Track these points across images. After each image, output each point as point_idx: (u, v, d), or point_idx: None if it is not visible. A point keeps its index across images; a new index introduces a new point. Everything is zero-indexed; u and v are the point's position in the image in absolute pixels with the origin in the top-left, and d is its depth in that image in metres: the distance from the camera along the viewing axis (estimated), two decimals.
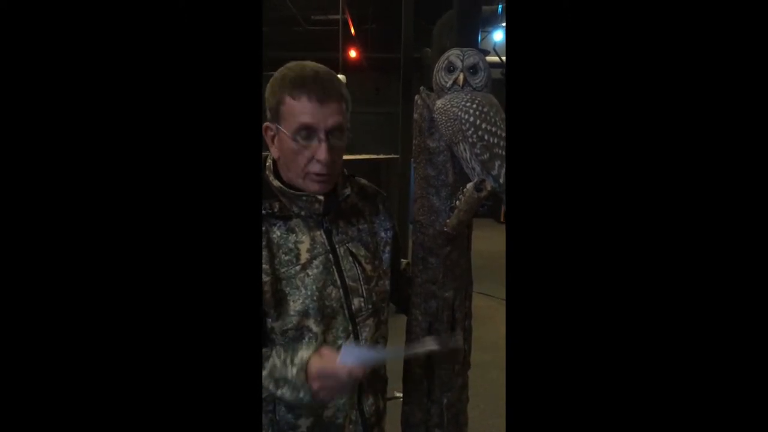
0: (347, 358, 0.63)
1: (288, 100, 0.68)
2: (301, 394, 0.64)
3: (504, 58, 4.38)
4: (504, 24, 4.79)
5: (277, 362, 0.66)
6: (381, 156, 4.00)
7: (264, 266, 0.69)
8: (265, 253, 0.69)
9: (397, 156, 3.75)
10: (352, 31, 5.53)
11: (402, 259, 0.91)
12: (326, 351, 0.66)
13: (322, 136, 0.68)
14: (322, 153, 0.69)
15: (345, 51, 5.63)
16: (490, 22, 4.61)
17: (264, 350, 0.68)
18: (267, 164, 0.75)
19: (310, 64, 0.71)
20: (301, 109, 0.67)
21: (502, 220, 6.91)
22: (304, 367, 0.64)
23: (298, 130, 0.68)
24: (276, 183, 0.72)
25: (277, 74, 0.70)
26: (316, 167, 0.70)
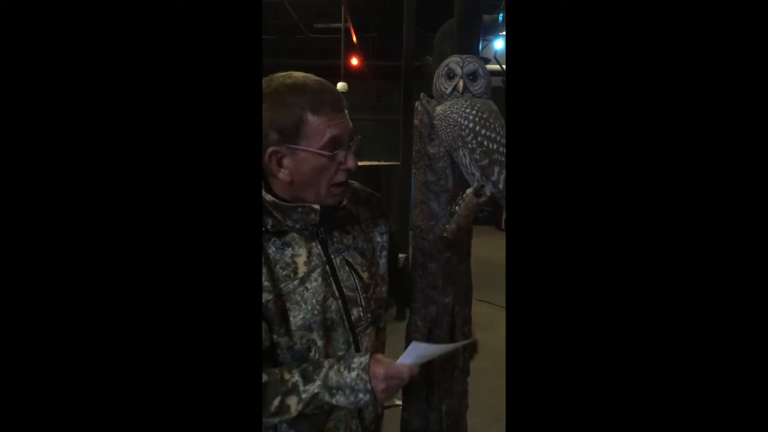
0: (409, 357, 0.68)
1: (310, 117, 0.66)
2: (360, 396, 0.67)
3: (505, 67, 4.40)
4: (505, 32, 4.82)
5: (331, 373, 0.68)
6: (382, 163, 4.01)
7: (265, 283, 0.68)
8: (264, 270, 0.68)
9: (398, 163, 3.76)
10: (354, 39, 5.57)
11: (399, 255, 0.90)
12: (379, 355, 0.71)
13: (350, 145, 0.70)
14: (351, 161, 0.70)
15: (347, 59, 5.66)
16: (491, 31, 4.64)
17: (276, 370, 0.68)
18: None
19: (305, 76, 0.69)
20: (328, 124, 0.67)
21: (502, 227, 6.91)
22: (366, 370, 0.67)
23: (328, 144, 0.67)
24: (268, 197, 0.70)
25: (276, 94, 0.66)
26: (341, 177, 0.70)
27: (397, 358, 0.70)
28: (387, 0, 4.80)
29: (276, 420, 0.67)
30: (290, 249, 0.71)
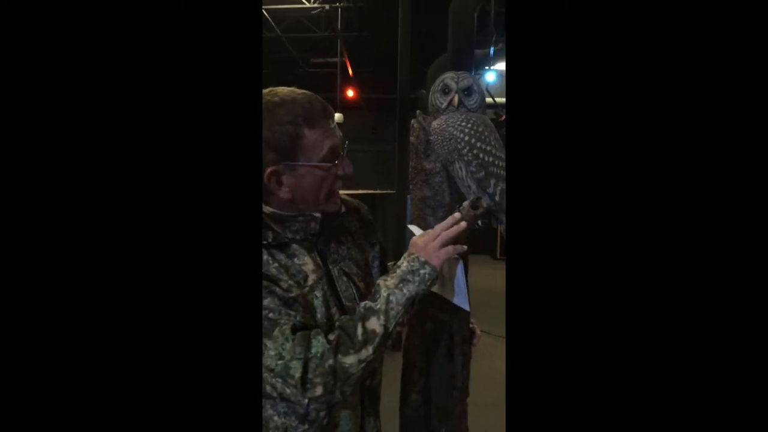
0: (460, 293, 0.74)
1: (307, 132, 0.66)
2: (422, 272, 0.67)
3: (496, 99, 4.51)
4: (495, 66, 4.98)
5: (388, 281, 0.68)
6: (378, 191, 4.05)
7: (289, 282, 0.67)
8: (283, 272, 0.68)
9: (394, 191, 3.78)
10: (350, 72, 5.73)
11: (388, 263, 0.90)
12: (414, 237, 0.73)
13: (342, 152, 0.70)
14: (349, 166, 0.71)
15: (343, 91, 5.80)
16: (483, 64, 4.80)
17: (339, 324, 0.67)
18: None
19: (291, 90, 0.69)
20: (324, 135, 0.67)
21: (498, 256, 6.90)
22: (410, 253, 0.69)
23: (327, 155, 0.68)
24: (268, 210, 0.70)
25: (267, 112, 0.66)
26: (338, 184, 0.71)
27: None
28: (382, 35, 4.98)
29: (368, 354, 0.63)
30: (296, 259, 0.70)
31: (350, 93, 6.24)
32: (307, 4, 4.98)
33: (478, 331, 0.93)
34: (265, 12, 5.00)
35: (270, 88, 0.69)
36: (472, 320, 0.92)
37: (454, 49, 3.06)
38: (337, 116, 5.10)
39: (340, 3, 4.89)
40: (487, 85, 4.83)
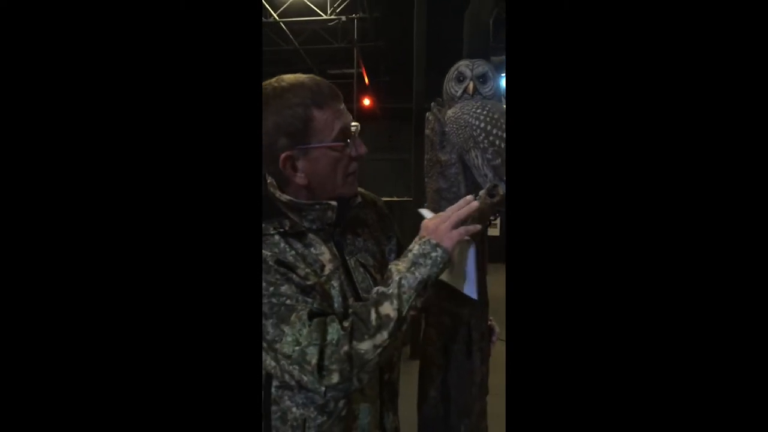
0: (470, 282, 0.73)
1: (316, 114, 0.66)
2: (434, 255, 0.66)
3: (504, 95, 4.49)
4: None
5: (399, 265, 0.67)
6: (394, 198, 4.06)
7: (306, 270, 0.67)
8: (300, 260, 0.68)
9: (410, 199, 3.78)
10: (366, 81, 5.80)
11: None
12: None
13: (354, 132, 0.70)
14: (362, 146, 0.70)
15: (359, 101, 5.88)
16: (498, 72, 4.80)
17: (352, 311, 0.66)
18: (269, 181, 0.71)
19: (296, 76, 0.70)
20: (334, 116, 0.68)
21: None
22: (421, 236, 0.68)
23: (338, 136, 0.68)
24: (285, 197, 0.69)
25: (275, 98, 0.67)
26: (353, 166, 0.71)
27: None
28: (397, 45, 5.03)
29: (383, 340, 0.62)
30: (313, 249, 0.70)
31: (367, 102, 6.31)
32: (324, 16, 5.08)
33: (497, 329, 0.91)
34: (283, 25, 5.11)
35: (277, 77, 0.69)
36: (491, 318, 0.90)
37: (469, 55, 3.06)
38: (355, 125, 5.17)
39: (356, 14, 4.98)
40: (503, 91, 4.81)
